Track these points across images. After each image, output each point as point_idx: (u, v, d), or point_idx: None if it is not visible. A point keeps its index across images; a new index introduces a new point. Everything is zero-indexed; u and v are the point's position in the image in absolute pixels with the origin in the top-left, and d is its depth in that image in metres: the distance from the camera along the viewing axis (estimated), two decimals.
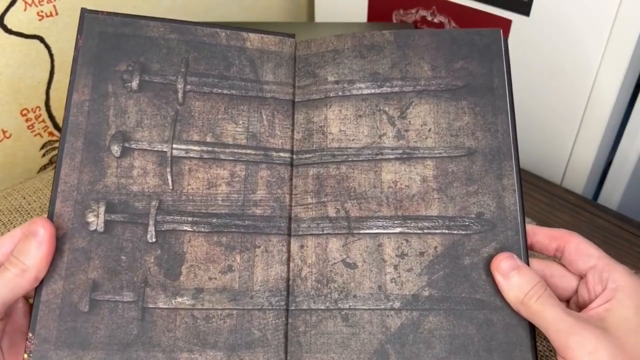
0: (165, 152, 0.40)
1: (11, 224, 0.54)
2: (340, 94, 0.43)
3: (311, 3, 0.81)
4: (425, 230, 0.40)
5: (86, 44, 0.41)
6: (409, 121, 0.42)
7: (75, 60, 0.40)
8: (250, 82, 0.43)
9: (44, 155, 0.65)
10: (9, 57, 0.57)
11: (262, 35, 0.44)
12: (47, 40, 0.59)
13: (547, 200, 0.60)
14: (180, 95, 0.41)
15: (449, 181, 0.41)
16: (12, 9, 0.55)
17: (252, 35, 0.44)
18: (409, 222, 0.40)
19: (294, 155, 0.42)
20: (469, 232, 0.39)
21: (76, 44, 0.40)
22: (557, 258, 0.41)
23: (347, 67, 0.44)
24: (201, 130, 0.41)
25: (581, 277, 0.39)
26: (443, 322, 0.38)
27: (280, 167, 0.42)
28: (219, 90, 0.42)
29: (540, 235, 0.40)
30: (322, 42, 0.45)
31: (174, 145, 0.41)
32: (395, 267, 0.39)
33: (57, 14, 0.58)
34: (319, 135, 0.43)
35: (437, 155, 0.41)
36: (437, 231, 0.40)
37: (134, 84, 0.41)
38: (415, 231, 0.40)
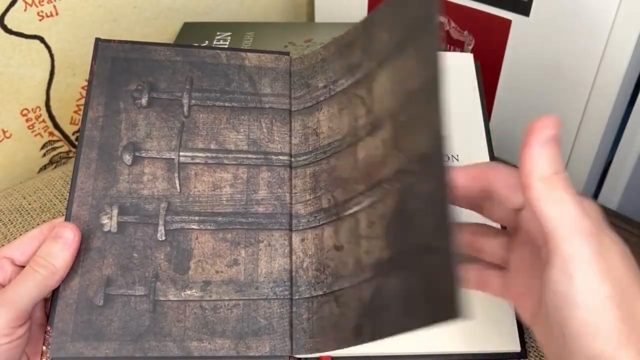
0: (173, 159, 0.44)
1: (11, 223, 0.54)
2: (327, 95, 0.46)
3: (311, 3, 0.79)
4: (385, 192, 0.38)
5: (100, 68, 0.45)
6: (375, 94, 0.41)
7: (90, 82, 0.44)
8: (249, 95, 0.46)
9: (44, 155, 0.63)
10: (9, 57, 0.56)
11: (259, 54, 0.48)
12: (47, 40, 0.58)
13: None
14: (185, 109, 0.45)
15: (402, 133, 0.37)
16: (12, 9, 0.55)
17: (250, 55, 0.48)
18: (375, 189, 0.39)
19: (293, 158, 0.45)
20: (414, 176, 0.35)
21: (91, 69, 0.45)
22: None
23: (332, 70, 0.46)
24: (205, 138, 0.45)
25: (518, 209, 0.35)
26: (397, 282, 0.34)
27: (280, 169, 0.44)
28: (221, 104, 0.46)
29: (460, 178, 0.36)
30: (313, 55, 0.48)
31: (181, 153, 0.44)
32: (368, 238, 0.39)
33: (57, 14, 0.58)
34: (313, 137, 0.45)
35: (392, 112, 0.39)
36: (393, 187, 0.37)
37: (144, 100, 0.45)
38: (379, 197, 0.38)
